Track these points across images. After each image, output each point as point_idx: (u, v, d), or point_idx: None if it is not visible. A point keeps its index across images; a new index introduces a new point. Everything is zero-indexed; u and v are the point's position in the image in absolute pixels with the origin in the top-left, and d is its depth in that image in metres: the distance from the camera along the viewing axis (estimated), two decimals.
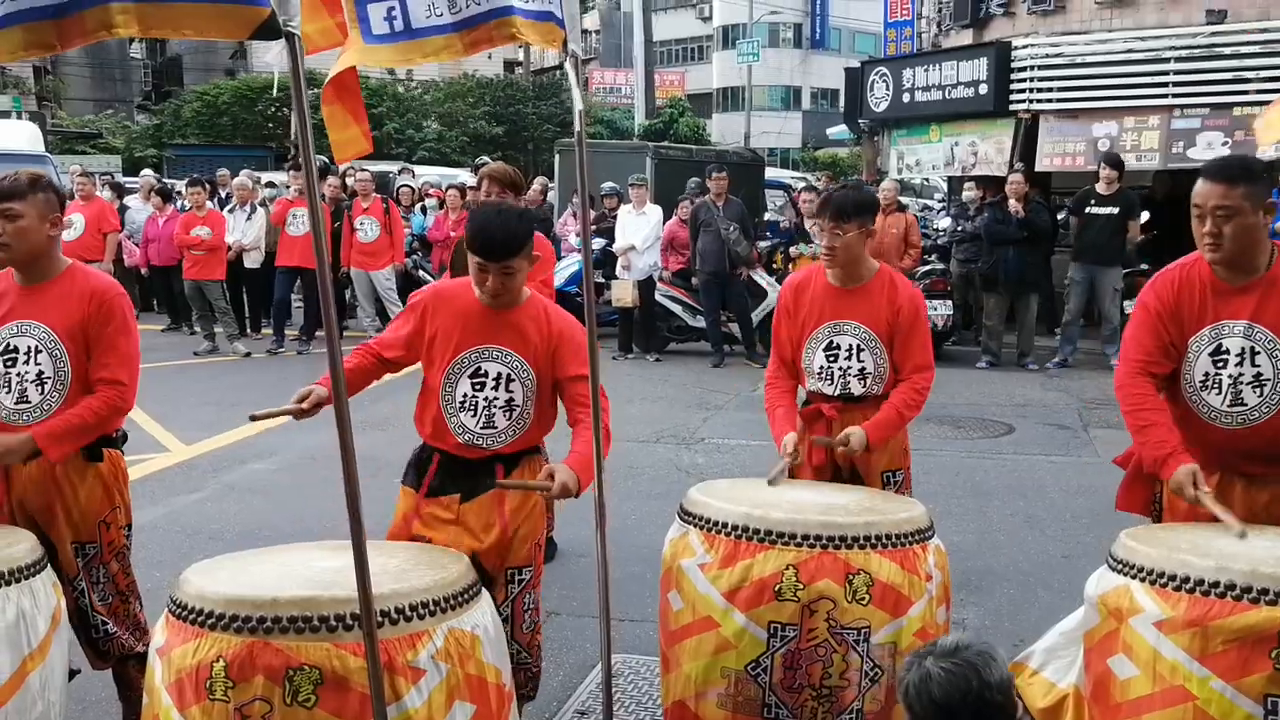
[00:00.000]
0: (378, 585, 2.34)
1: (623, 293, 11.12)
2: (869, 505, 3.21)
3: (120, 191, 14.25)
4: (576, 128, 3.02)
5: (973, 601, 4.75)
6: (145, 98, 40.27)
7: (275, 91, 26.90)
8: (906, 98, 13.93)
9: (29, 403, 3.16)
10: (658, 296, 11.33)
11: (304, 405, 3.05)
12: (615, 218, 11.71)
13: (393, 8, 2.61)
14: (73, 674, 3.27)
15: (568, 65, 2.95)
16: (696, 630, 3.02)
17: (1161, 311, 3.03)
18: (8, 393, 3.16)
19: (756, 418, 7.54)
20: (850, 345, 3.64)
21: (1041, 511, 6.08)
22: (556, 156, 15.29)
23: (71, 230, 11.89)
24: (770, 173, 20.91)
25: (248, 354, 11.34)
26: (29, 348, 3.15)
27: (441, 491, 3.10)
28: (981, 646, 2.14)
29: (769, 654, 2.93)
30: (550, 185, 14.78)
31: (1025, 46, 12.56)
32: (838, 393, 3.68)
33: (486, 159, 14.06)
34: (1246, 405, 2.95)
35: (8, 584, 2.67)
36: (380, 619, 2.34)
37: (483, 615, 2.62)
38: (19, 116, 22.05)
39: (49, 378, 3.16)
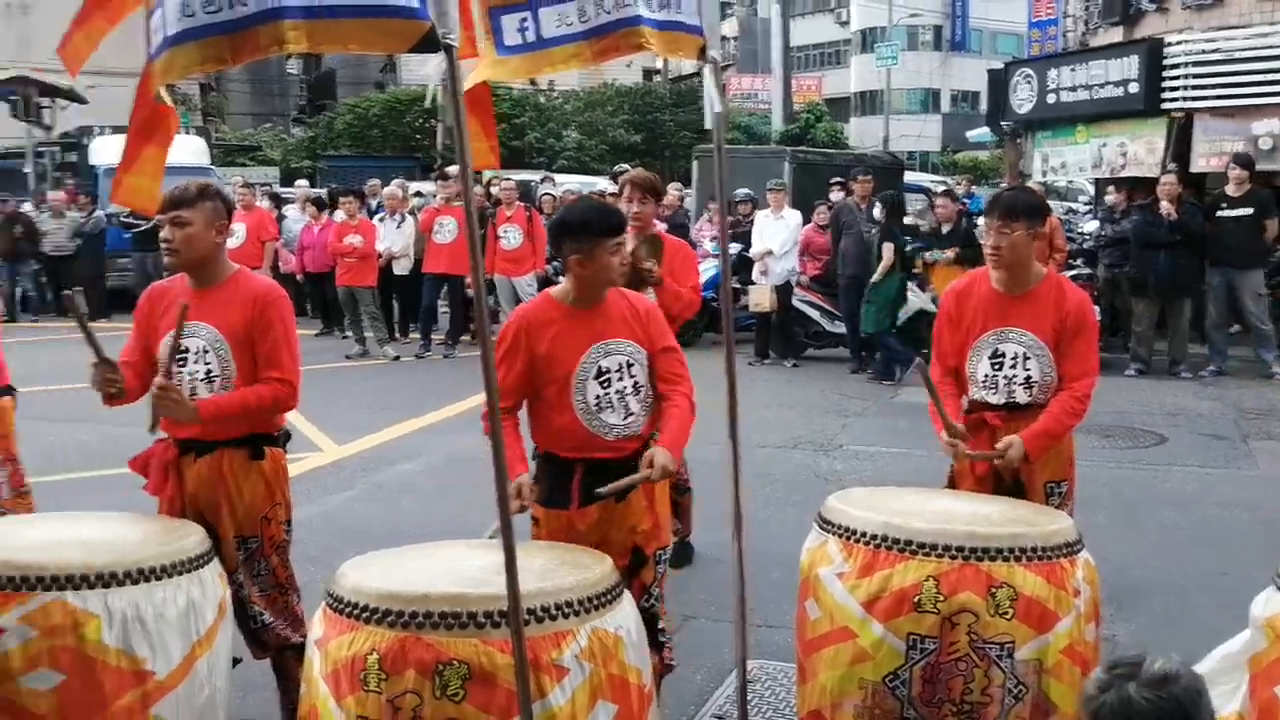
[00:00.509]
0: (524, 584, 2.39)
1: (760, 298, 11.08)
2: (1015, 516, 3.12)
3: (278, 201, 14.92)
4: (715, 134, 3.04)
5: (1123, 618, 4.57)
6: (301, 111, 42.02)
7: (429, 103, 27.71)
8: (1052, 98, 13.48)
9: (199, 399, 3.33)
10: (795, 301, 11.25)
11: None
12: (750, 223, 11.68)
13: (525, 18, 2.67)
14: (235, 662, 3.43)
15: (706, 72, 2.97)
16: (834, 640, 2.99)
17: None
18: (182, 389, 3.33)
19: (897, 424, 7.40)
20: (1016, 353, 3.57)
21: (1196, 526, 5.80)
22: (694, 162, 15.34)
23: (234, 238, 12.52)
24: (909, 176, 20.50)
25: (396, 357, 11.72)
26: (199, 348, 3.33)
27: (597, 497, 3.14)
28: (1191, 680, 1.91)
29: (907, 666, 2.87)
30: (687, 191, 14.83)
31: (1179, 43, 12.00)
32: (1003, 401, 3.62)
33: (626, 167, 14.21)
34: None
35: (179, 574, 2.81)
36: (526, 617, 2.39)
37: (625, 616, 2.65)
38: (187, 131, 23.26)
39: (216, 376, 3.33)
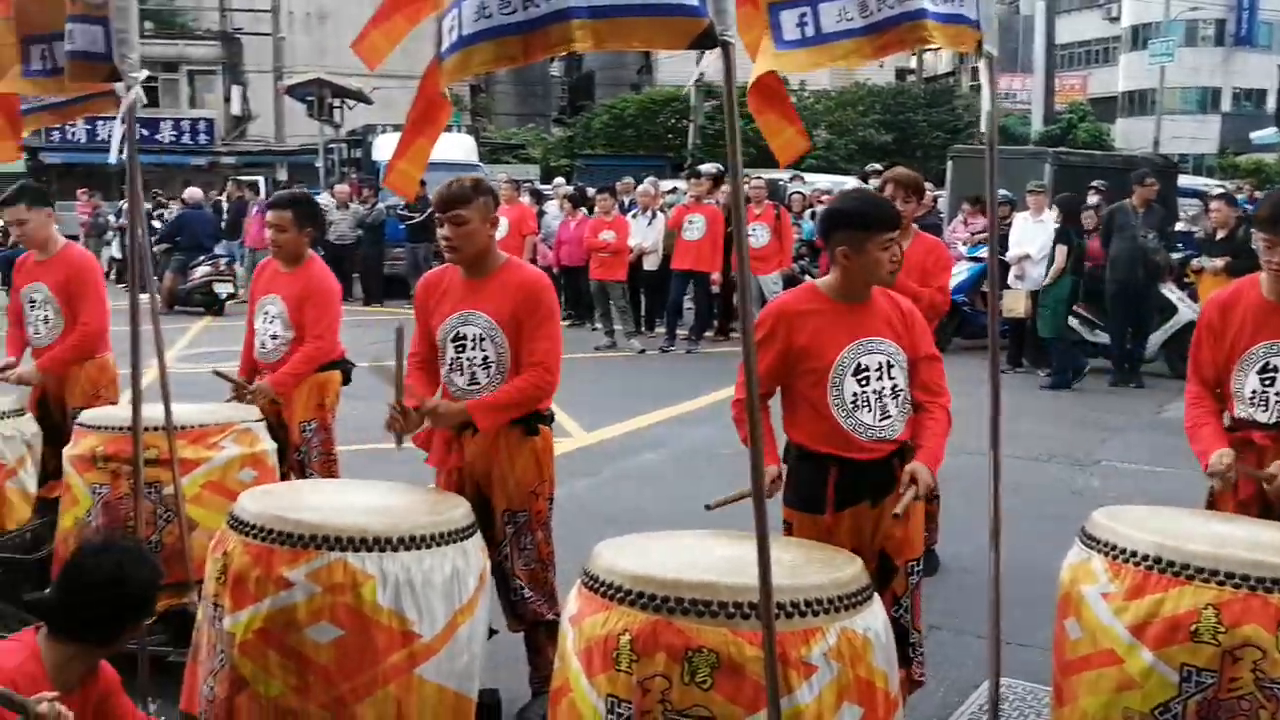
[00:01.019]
0: (774, 578, 2.37)
1: (1015, 303, 10.58)
2: None
3: (539, 198, 15.51)
4: (988, 133, 2.91)
5: None
6: (561, 112, 43.69)
7: (691, 94, 28.13)
8: None
9: (479, 384, 3.54)
10: None
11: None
12: (1008, 226, 11.17)
13: (804, 13, 2.64)
14: (491, 633, 3.61)
15: (981, 66, 2.84)
16: (1096, 663, 2.79)
17: None
18: (460, 374, 3.56)
19: (1163, 441, 6.89)
20: None
21: None
22: (949, 163, 14.82)
23: (497, 231, 13.15)
24: (1183, 180, 19.02)
25: (642, 350, 11.99)
26: (475, 335, 3.52)
27: (849, 503, 3.10)
28: None
29: (1180, 699, 2.64)
30: (939, 192, 14.36)
31: None
32: (1274, 420, 3.30)
33: (877, 166, 13.91)
34: None
35: (446, 544, 2.96)
36: (775, 611, 2.37)
37: (875, 619, 2.59)
38: (458, 130, 24.59)
39: (493, 361, 3.52)
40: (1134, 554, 2.77)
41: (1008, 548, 5.22)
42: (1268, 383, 3.29)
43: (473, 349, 3.52)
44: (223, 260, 15.86)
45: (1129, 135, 40.13)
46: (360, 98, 24.16)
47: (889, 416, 3.14)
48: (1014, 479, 6.66)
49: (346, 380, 4.77)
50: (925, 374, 3.21)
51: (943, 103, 33.07)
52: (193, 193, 17.44)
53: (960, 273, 10.80)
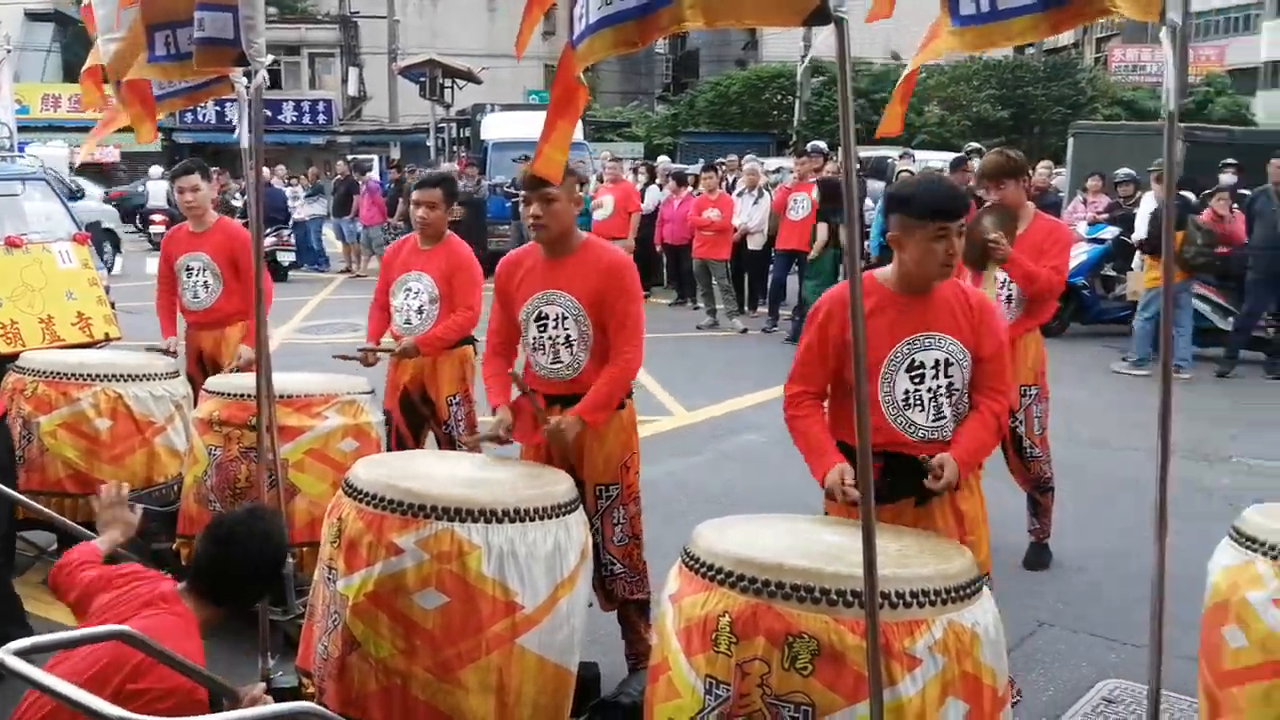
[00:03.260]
0: (880, 567, 2.31)
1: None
2: None
3: (652, 175, 15.45)
4: (1166, 107, 2.66)
5: None
6: (665, 90, 43.57)
7: (797, 70, 27.80)
8: None
9: (562, 362, 3.57)
10: None
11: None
12: (1134, 205, 10.75)
13: None
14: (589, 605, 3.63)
15: (1163, 36, 2.60)
16: (1268, 674, 2.66)
17: None
18: (543, 354, 3.59)
19: None
20: None
21: None
22: (1070, 140, 14.34)
23: (602, 210, 13.19)
24: None
25: (744, 330, 11.91)
26: (557, 315, 3.55)
27: (892, 497, 2.94)
28: None
29: None
30: (1059, 170, 13.89)
31: None
32: None
33: (977, 146, 13.51)
34: None
35: (549, 518, 2.99)
36: (880, 601, 2.32)
37: (984, 614, 2.51)
38: None
39: (575, 340, 3.55)
40: None
41: (1127, 548, 5.10)
42: None
43: (555, 328, 3.55)
44: (285, 232, 17.12)
45: (1271, 109, 38.10)
46: (470, 78, 24.51)
47: (943, 417, 2.96)
48: (1137, 475, 6.48)
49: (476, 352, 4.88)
50: (986, 373, 3.00)
51: (1063, 77, 31.92)
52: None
53: (1080, 254, 10.43)
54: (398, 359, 4.71)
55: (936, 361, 2.95)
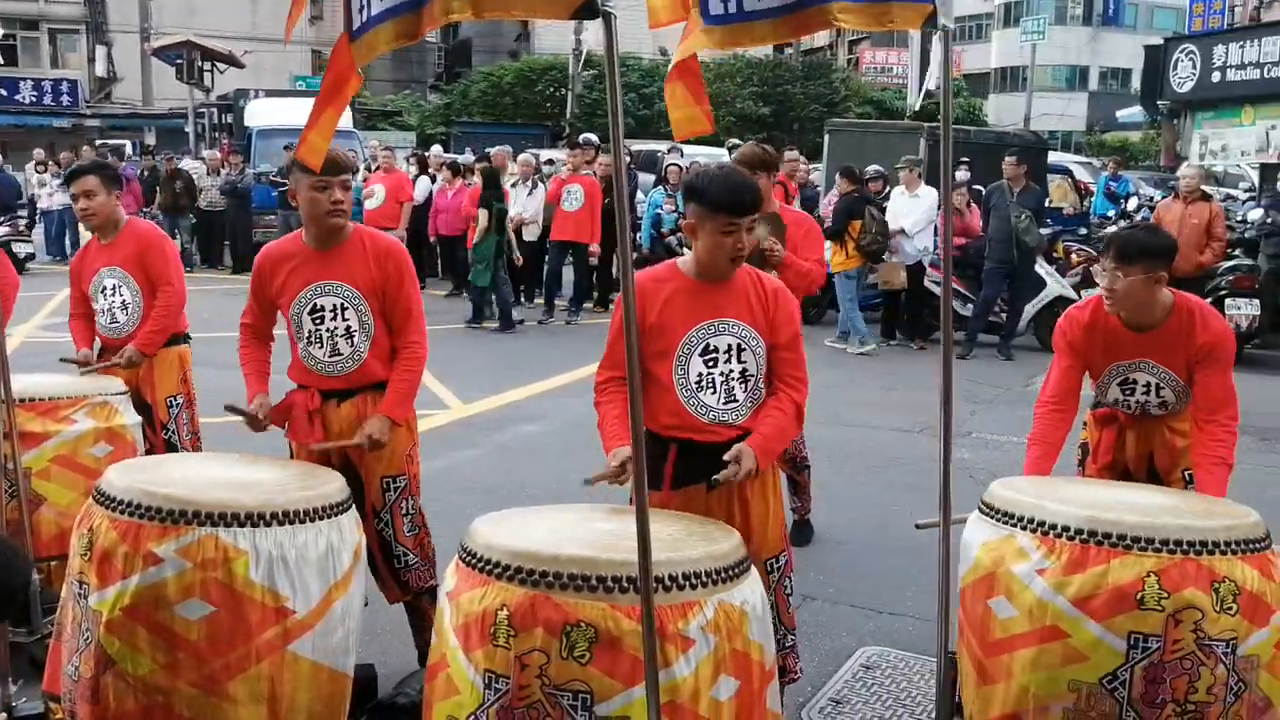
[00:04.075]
0: (653, 552, 2.38)
1: (891, 276, 10.88)
2: (1208, 508, 3.00)
3: (424, 166, 15.13)
4: (943, 107, 2.80)
5: None
6: (437, 79, 42.85)
7: (569, 63, 27.87)
8: (1216, 76, 12.80)
9: (340, 355, 3.50)
10: (926, 282, 10.99)
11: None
12: (886, 200, 11.44)
13: None
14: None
15: (935, 41, 2.77)
16: (1036, 640, 2.83)
17: None
18: (320, 347, 3.50)
19: (1029, 413, 7.17)
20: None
21: None
22: (826, 136, 15.08)
23: (373, 199, 12.86)
24: (1053, 156, 19.78)
25: (520, 321, 11.90)
26: (335, 305, 3.48)
27: (686, 481, 3.03)
28: None
29: (1128, 666, 2.72)
30: (815, 166, 14.59)
31: None
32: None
33: (737, 141, 14.04)
34: None
35: (321, 519, 2.90)
36: (654, 585, 2.38)
37: (751, 592, 2.61)
38: None
39: (356, 330, 3.49)
40: (1066, 529, 2.81)
41: (882, 519, 5.45)
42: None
43: (334, 319, 3.48)
44: (21, 221, 15.96)
45: (1001, 111, 41.40)
46: (232, 61, 23.35)
47: (734, 400, 3.04)
48: (891, 451, 6.93)
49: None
50: (782, 362, 3.09)
51: (819, 76, 33.55)
52: None
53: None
54: (123, 369, 4.40)
55: (729, 346, 3.03)
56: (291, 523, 2.83)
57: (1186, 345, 3.40)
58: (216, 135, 23.43)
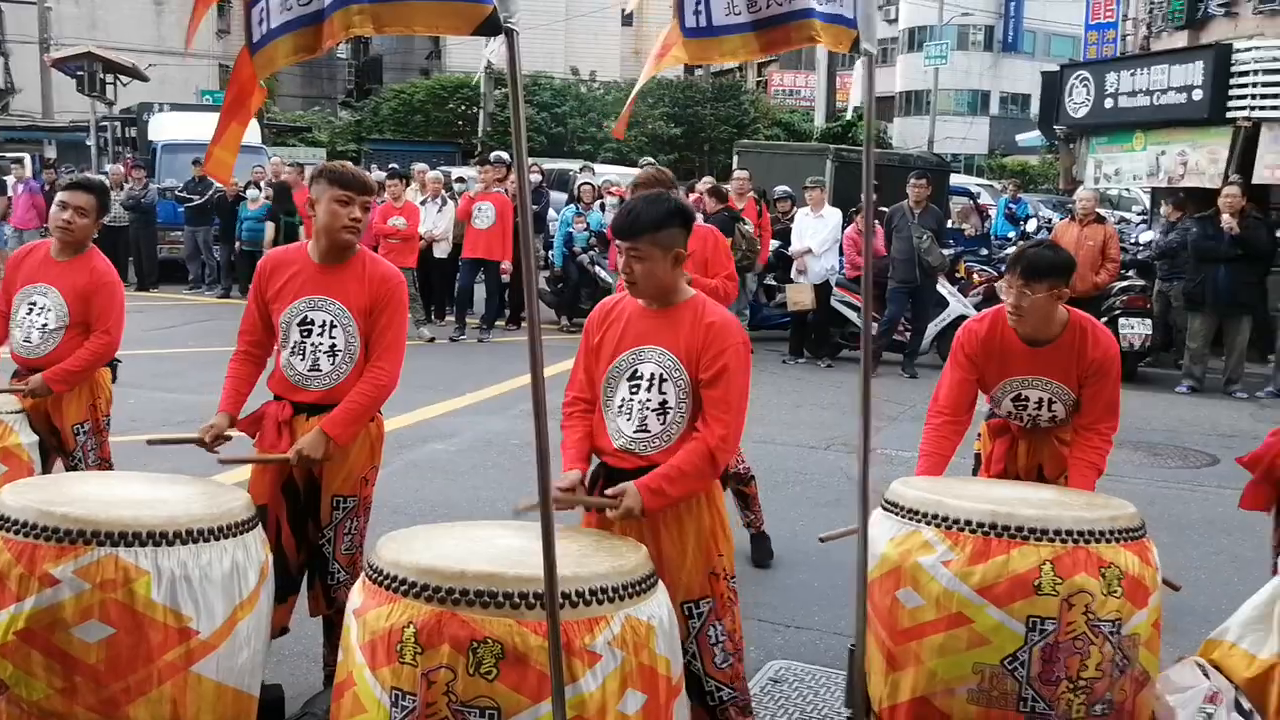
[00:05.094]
0: (560, 568, 2.41)
1: (799, 296, 11.07)
2: (1091, 501, 3.29)
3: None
4: (866, 129, 2.89)
5: (1169, 642, 4.45)
6: (348, 95, 42.37)
7: (480, 81, 27.76)
8: (1109, 103, 13.28)
9: (320, 371, 3.51)
10: (833, 302, 11.23)
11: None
12: (789, 220, 11.67)
13: (699, 1, 2.67)
14: (283, 631, 3.53)
15: (859, 64, 2.90)
16: (943, 627, 3.03)
17: None
18: (301, 359, 3.50)
19: None
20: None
21: (1249, 551, 5.63)
22: (735, 157, 15.33)
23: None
24: (955, 179, 20.36)
25: (431, 339, 11.83)
26: (324, 321, 3.50)
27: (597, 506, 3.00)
28: None
29: (1026, 648, 2.96)
30: (727, 186, 14.78)
31: (1249, 49, 11.68)
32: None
33: (650, 160, 14.20)
34: None
35: (226, 537, 2.86)
36: (561, 600, 2.41)
37: (658, 606, 2.65)
38: None
39: (340, 350, 3.51)
40: (969, 523, 3.05)
41: (791, 535, 5.53)
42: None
43: (320, 335, 3.48)
44: None
45: (906, 134, 42.39)
46: (135, 74, 22.75)
47: (645, 431, 2.96)
48: (799, 466, 7.04)
49: (114, 378, 4.52)
50: (707, 400, 2.93)
51: (729, 98, 33.99)
52: None
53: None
54: (25, 397, 4.22)
55: (652, 375, 2.98)
56: (195, 541, 2.78)
57: (1079, 361, 3.57)
58: (120, 149, 22.80)
